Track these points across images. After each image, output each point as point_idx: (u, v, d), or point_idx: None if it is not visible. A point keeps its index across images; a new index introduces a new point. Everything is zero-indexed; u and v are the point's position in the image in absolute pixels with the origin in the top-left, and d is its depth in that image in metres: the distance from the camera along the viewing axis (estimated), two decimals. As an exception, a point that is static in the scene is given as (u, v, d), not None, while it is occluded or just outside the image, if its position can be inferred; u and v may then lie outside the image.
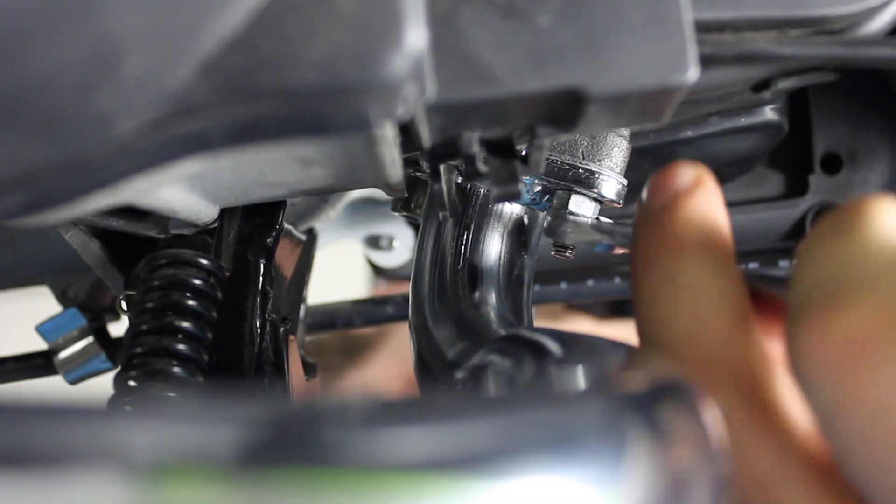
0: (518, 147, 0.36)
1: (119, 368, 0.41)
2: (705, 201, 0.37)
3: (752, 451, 0.32)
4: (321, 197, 0.56)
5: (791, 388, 0.33)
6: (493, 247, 0.45)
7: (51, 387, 0.62)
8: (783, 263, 0.63)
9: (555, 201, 0.45)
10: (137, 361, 0.40)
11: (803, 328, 0.31)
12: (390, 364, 0.94)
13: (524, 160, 0.36)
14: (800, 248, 0.34)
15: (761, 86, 0.46)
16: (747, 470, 0.33)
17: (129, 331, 0.42)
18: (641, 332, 0.36)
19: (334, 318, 0.67)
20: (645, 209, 0.38)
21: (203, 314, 0.42)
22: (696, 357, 0.34)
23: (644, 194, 0.38)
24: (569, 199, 0.44)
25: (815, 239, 0.33)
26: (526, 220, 0.46)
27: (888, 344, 0.29)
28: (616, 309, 0.86)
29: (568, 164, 0.44)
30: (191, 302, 0.41)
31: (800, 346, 0.31)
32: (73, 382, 0.60)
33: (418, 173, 0.47)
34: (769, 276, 0.38)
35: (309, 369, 0.52)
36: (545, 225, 0.45)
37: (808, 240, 0.34)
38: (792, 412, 0.33)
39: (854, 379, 0.30)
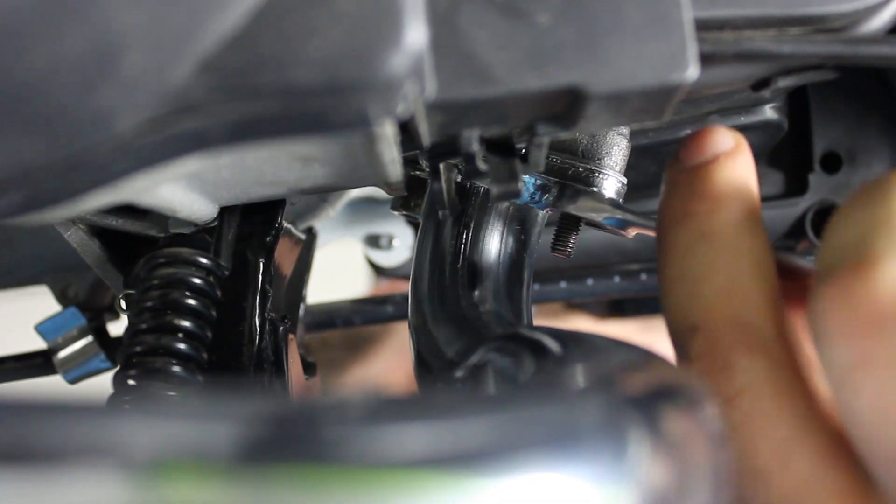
0: (518, 145, 0.36)
1: (118, 367, 0.41)
2: (745, 165, 0.37)
3: (773, 417, 0.33)
4: (321, 196, 0.56)
5: (813, 359, 0.33)
6: (493, 245, 0.45)
7: (50, 386, 0.62)
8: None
9: (555, 198, 0.45)
10: (137, 360, 0.40)
11: (827, 288, 0.31)
12: (393, 359, 0.94)
13: (524, 158, 0.36)
14: (832, 216, 0.33)
15: (761, 84, 0.46)
16: (766, 435, 0.33)
17: (128, 330, 0.42)
18: (670, 287, 0.36)
19: (334, 317, 0.67)
20: (680, 164, 0.38)
21: (202, 313, 0.42)
22: (728, 315, 0.34)
23: (679, 148, 0.38)
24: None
25: (847, 205, 0.33)
26: (525, 219, 0.46)
27: None
28: (616, 308, 0.86)
29: (568, 163, 0.44)
30: (190, 301, 0.41)
31: (822, 305, 0.31)
32: (72, 382, 0.60)
33: (418, 172, 0.47)
34: (790, 255, 0.38)
35: (308, 368, 0.52)
36: (559, 195, 0.44)
37: (841, 207, 0.33)
38: (814, 383, 0.33)
39: (872, 342, 0.29)
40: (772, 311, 0.34)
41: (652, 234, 0.42)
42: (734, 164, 0.37)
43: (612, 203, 0.44)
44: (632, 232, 0.45)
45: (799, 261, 0.38)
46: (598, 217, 0.44)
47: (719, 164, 0.37)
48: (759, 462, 0.32)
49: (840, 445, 0.32)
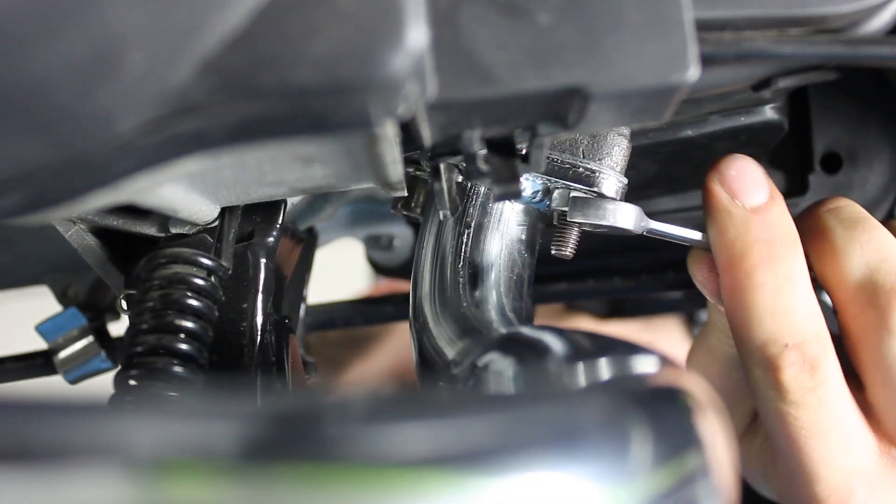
0: (519, 146, 0.36)
1: (119, 367, 0.41)
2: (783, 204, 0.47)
3: (844, 400, 0.45)
4: (321, 196, 0.56)
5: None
6: (494, 246, 0.45)
7: (51, 387, 0.62)
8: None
9: (555, 200, 0.45)
10: (138, 360, 0.40)
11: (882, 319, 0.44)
12: (393, 357, 0.94)
13: (525, 159, 0.36)
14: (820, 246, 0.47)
15: (761, 85, 0.46)
16: (841, 412, 0.45)
17: (129, 330, 0.42)
18: (760, 319, 0.45)
19: (334, 317, 0.67)
20: (733, 205, 0.46)
21: (203, 313, 0.42)
22: (814, 333, 0.44)
23: (727, 182, 0.46)
24: (569, 197, 0.44)
25: (827, 234, 0.48)
26: (526, 219, 0.46)
27: None
28: (616, 308, 0.86)
29: (568, 163, 0.44)
30: (191, 301, 0.41)
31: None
32: (73, 382, 0.60)
33: (419, 172, 0.47)
34: None
35: (309, 368, 0.52)
36: (568, 198, 0.45)
37: (822, 237, 0.48)
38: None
39: None
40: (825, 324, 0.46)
41: (665, 238, 0.47)
42: (782, 206, 0.46)
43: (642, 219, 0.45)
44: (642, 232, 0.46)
45: None
46: (600, 222, 0.44)
47: (777, 211, 0.46)
48: (829, 423, 0.45)
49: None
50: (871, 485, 0.46)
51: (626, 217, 0.44)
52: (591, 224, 0.45)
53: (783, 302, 0.45)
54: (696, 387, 0.31)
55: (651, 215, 0.46)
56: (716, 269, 0.47)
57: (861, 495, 0.46)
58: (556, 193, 0.45)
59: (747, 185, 0.46)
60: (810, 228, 0.48)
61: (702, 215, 0.49)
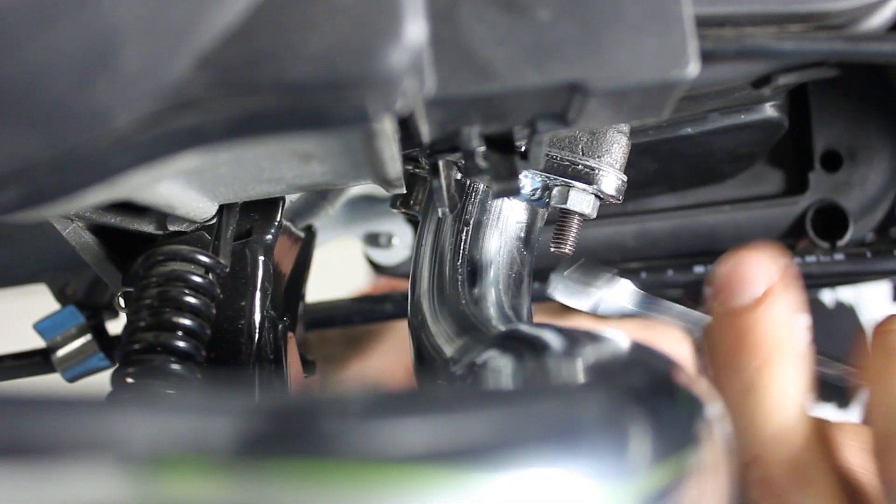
0: (518, 143, 0.36)
1: (117, 365, 0.41)
2: (786, 305, 0.41)
3: None
4: (320, 194, 0.56)
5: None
6: (493, 243, 0.45)
7: (49, 385, 0.62)
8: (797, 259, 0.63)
9: (554, 197, 0.45)
10: (135, 358, 0.40)
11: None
12: (391, 355, 0.94)
13: (524, 156, 0.36)
14: (865, 378, 0.40)
15: (761, 82, 0.46)
16: None
17: (127, 327, 0.42)
18: (733, 417, 0.39)
19: (333, 315, 0.67)
20: (724, 305, 0.42)
21: (201, 311, 0.42)
22: (782, 456, 0.39)
23: (717, 283, 0.42)
24: (568, 194, 0.44)
25: (873, 370, 0.40)
26: (525, 217, 0.46)
27: None
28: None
29: (568, 160, 0.44)
30: (189, 298, 0.41)
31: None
32: (71, 380, 0.60)
33: (417, 169, 0.47)
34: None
35: (307, 366, 0.52)
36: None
37: (867, 369, 0.40)
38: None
39: None
40: (819, 450, 0.40)
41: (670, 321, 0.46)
42: (776, 309, 0.41)
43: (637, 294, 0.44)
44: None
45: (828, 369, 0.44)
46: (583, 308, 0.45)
47: (762, 312, 0.41)
48: None
49: None
50: None
51: (618, 298, 0.44)
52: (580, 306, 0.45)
53: (746, 412, 0.40)
54: (695, 384, 0.30)
55: (650, 213, 0.46)
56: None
57: None
58: (555, 191, 0.45)
59: (734, 281, 0.42)
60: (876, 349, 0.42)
61: (702, 215, 0.50)
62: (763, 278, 0.41)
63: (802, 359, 0.41)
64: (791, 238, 0.61)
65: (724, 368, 0.41)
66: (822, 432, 0.41)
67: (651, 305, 0.45)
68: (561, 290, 0.44)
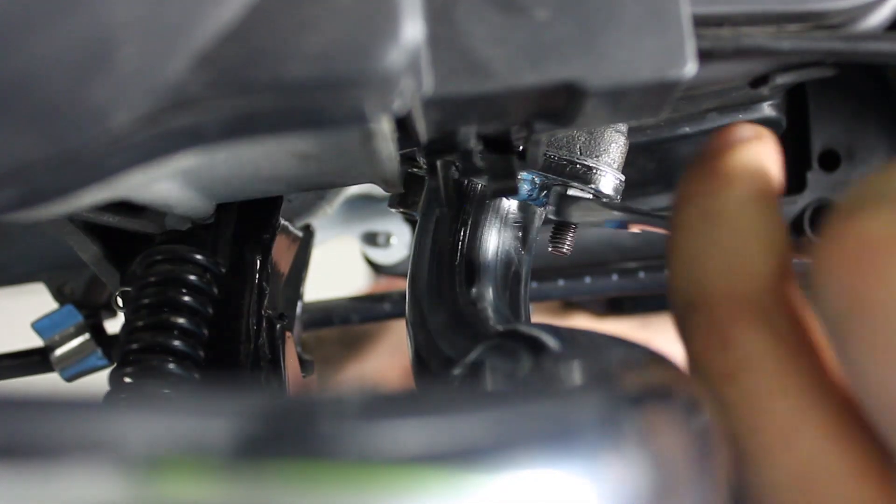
0: (515, 142, 0.36)
1: (115, 365, 0.41)
2: (761, 150, 0.37)
3: (774, 392, 0.31)
4: (318, 193, 0.56)
5: (822, 335, 0.32)
6: (491, 243, 0.45)
7: (47, 384, 0.62)
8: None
9: (552, 197, 0.45)
10: (133, 358, 0.40)
11: (821, 238, 0.30)
12: (389, 356, 0.94)
13: (521, 155, 0.36)
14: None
15: (759, 81, 0.46)
16: (767, 412, 0.31)
17: (124, 327, 0.42)
18: (672, 268, 0.35)
19: (331, 314, 0.67)
20: (699, 156, 0.37)
21: (199, 310, 0.42)
22: (727, 290, 0.33)
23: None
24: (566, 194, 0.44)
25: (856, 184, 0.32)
26: (523, 216, 0.46)
27: None
28: (614, 306, 0.86)
29: (565, 160, 0.44)
30: (187, 298, 0.41)
31: (816, 255, 0.30)
32: (69, 379, 0.60)
33: (415, 169, 0.47)
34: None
35: (306, 366, 0.52)
36: (554, 202, 0.44)
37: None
38: (827, 356, 0.32)
39: (863, 282, 0.28)
40: (775, 285, 0.33)
41: (654, 229, 0.42)
42: (749, 148, 0.37)
43: (611, 203, 0.44)
44: (635, 228, 0.45)
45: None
46: (595, 219, 0.44)
47: (733, 148, 0.36)
48: (760, 441, 0.31)
49: (853, 419, 0.30)
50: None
51: (608, 184, 0.43)
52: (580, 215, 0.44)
53: (694, 245, 0.35)
54: (692, 386, 0.30)
55: (656, 212, 0.46)
56: None
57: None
58: (553, 190, 0.45)
59: (713, 140, 0.37)
60: None
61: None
62: (744, 132, 0.37)
63: (770, 198, 0.35)
64: (790, 237, 0.61)
65: (678, 205, 0.36)
66: (788, 276, 0.34)
67: (633, 216, 0.43)
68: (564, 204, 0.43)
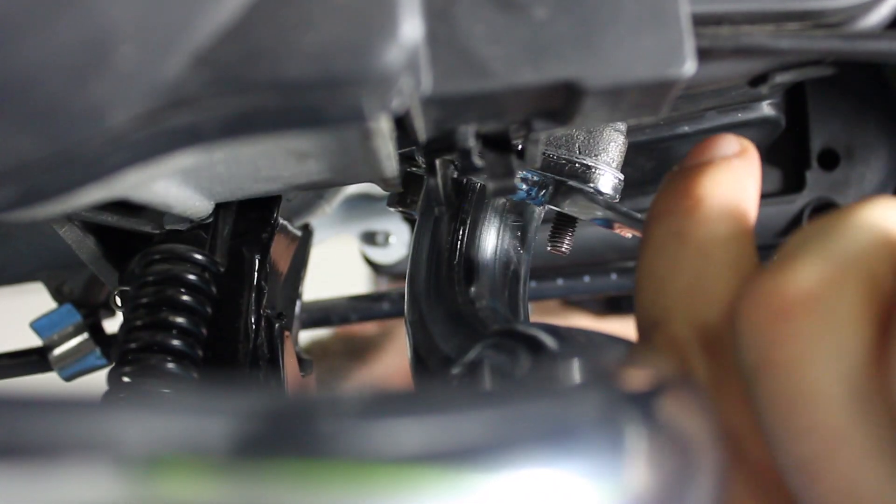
0: (514, 141, 0.36)
1: (113, 364, 0.41)
2: (739, 172, 0.37)
3: (729, 417, 0.32)
4: (317, 192, 0.56)
5: None
6: (489, 242, 0.45)
7: (45, 384, 0.62)
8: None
9: (551, 196, 0.45)
10: (132, 357, 0.40)
11: (745, 289, 0.30)
12: (395, 362, 0.94)
13: (520, 154, 0.36)
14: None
15: (758, 80, 0.45)
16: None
17: (123, 327, 0.42)
18: (639, 282, 0.35)
19: (330, 314, 0.67)
20: (677, 168, 0.37)
21: (198, 310, 0.42)
22: (687, 315, 0.33)
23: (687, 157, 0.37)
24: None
25: (797, 232, 0.32)
26: (522, 216, 0.46)
27: (819, 304, 0.28)
28: (613, 305, 0.86)
29: (564, 159, 0.44)
30: (185, 297, 0.41)
31: (739, 307, 0.30)
32: (67, 379, 0.60)
33: (414, 168, 0.46)
34: None
35: (304, 365, 0.52)
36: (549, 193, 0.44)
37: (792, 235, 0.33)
38: None
39: (771, 339, 0.28)
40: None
41: (639, 233, 0.42)
42: (728, 168, 0.36)
43: (604, 202, 0.44)
44: (624, 232, 0.45)
45: None
46: (591, 216, 0.44)
47: (713, 166, 0.36)
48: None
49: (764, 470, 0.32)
50: None
51: (607, 183, 0.42)
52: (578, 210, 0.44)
53: (661, 264, 0.35)
54: (691, 384, 0.30)
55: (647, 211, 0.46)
56: None
57: None
58: (552, 189, 0.45)
59: (695, 151, 0.38)
60: None
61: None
62: (726, 147, 0.37)
63: (742, 224, 0.35)
64: (788, 236, 0.61)
65: (650, 220, 0.36)
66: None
67: (622, 218, 0.43)
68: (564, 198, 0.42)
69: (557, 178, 0.44)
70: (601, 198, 0.44)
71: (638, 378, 0.29)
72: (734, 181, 0.36)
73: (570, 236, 0.47)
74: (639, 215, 0.43)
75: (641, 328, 0.35)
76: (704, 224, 0.35)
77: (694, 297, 0.34)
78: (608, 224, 0.44)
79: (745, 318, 0.30)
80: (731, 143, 0.37)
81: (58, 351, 0.59)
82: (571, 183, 0.44)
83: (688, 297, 0.34)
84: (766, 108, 0.50)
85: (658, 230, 0.36)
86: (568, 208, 0.44)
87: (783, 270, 0.29)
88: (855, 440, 0.28)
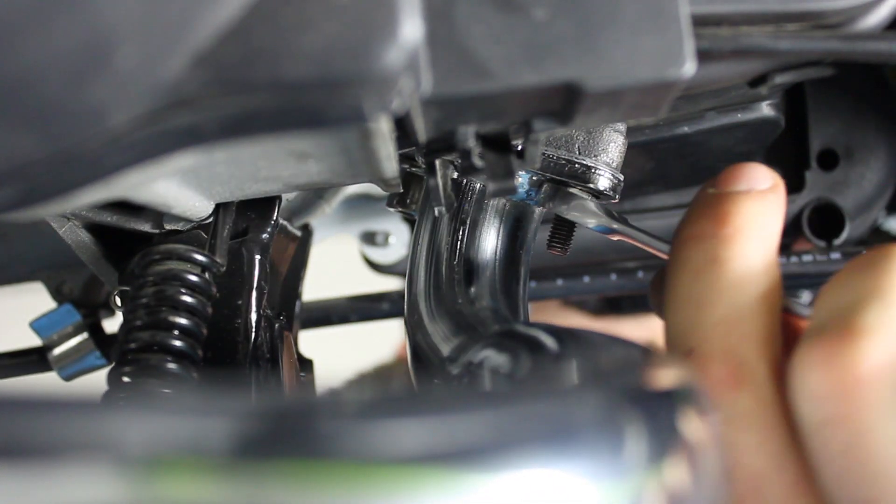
0: (514, 142, 0.36)
1: (113, 364, 0.41)
2: (773, 207, 0.38)
3: (751, 450, 0.34)
4: (316, 192, 0.56)
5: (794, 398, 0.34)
6: (489, 242, 0.45)
7: (45, 384, 0.62)
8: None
9: (548, 197, 0.45)
10: (131, 357, 0.40)
11: (813, 349, 0.32)
12: None
13: (520, 155, 0.36)
14: (829, 280, 0.35)
15: (758, 81, 0.46)
16: (743, 466, 0.34)
17: (123, 326, 0.42)
18: (674, 306, 0.37)
19: (330, 314, 0.67)
20: (709, 190, 0.39)
21: (197, 309, 0.42)
22: (723, 348, 0.35)
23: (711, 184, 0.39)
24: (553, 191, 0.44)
25: (845, 270, 0.35)
26: (522, 216, 0.46)
27: (890, 374, 0.31)
28: (612, 306, 0.86)
29: (564, 159, 0.44)
30: (185, 297, 0.41)
31: (807, 363, 0.32)
32: (67, 379, 0.60)
33: (414, 168, 0.46)
34: (793, 301, 0.38)
35: (304, 365, 0.52)
36: (548, 194, 0.44)
37: (840, 271, 0.35)
38: (790, 422, 0.34)
39: (847, 406, 0.31)
40: (767, 350, 0.35)
41: (639, 245, 0.43)
42: (764, 201, 0.38)
43: (607, 212, 0.44)
44: (616, 238, 0.45)
45: (800, 308, 0.39)
46: (590, 222, 0.44)
47: (749, 196, 0.38)
48: (736, 489, 0.34)
49: (810, 481, 0.33)
50: None
51: (606, 184, 0.43)
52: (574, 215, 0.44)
53: (698, 290, 0.36)
54: (691, 384, 0.30)
55: (647, 212, 0.46)
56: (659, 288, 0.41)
57: None
58: (551, 190, 0.45)
59: (728, 175, 0.39)
60: None
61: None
62: (761, 179, 0.39)
63: (774, 256, 0.37)
64: (787, 237, 0.61)
65: (687, 241, 0.37)
66: (778, 339, 0.36)
67: (620, 227, 0.43)
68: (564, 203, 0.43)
69: (557, 178, 0.44)
70: (603, 205, 0.44)
71: (638, 378, 0.29)
72: (769, 215, 0.38)
73: (569, 236, 0.47)
74: (640, 232, 0.44)
75: (672, 348, 0.37)
76: (742, 255, 0.36)
77: (731, 329, 0.35)
78: (608, 232, 0.45)
79: (816, 381, 0.32)
80: (765, 176, 0.39)
81: (57, 351, 0.59)
82: (572, 187, 0.44)
83: (725, 329, 0.35)
84: (766, 109, 0.50)
85: (695, 254, 0.37)
86: (570, 214, 0.44)
87: (853, 339, 0.31)
88: None
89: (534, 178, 0.45)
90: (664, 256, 0.42)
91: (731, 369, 0.34)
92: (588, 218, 0.44)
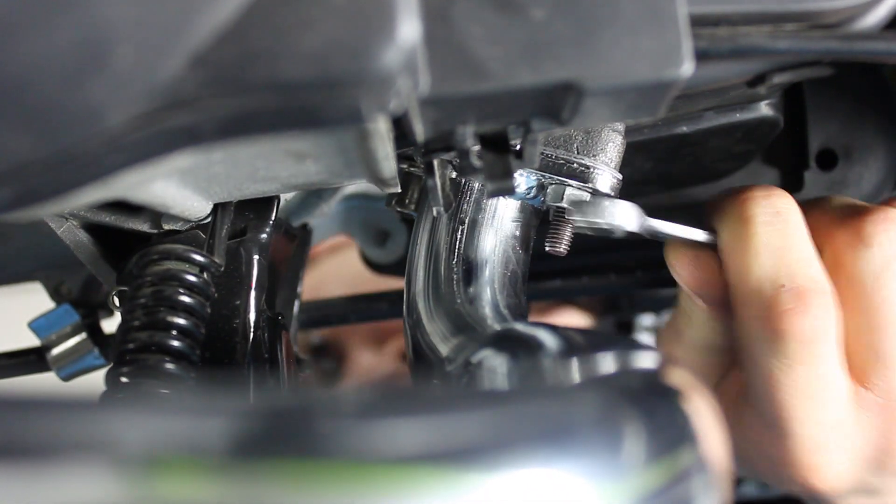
0: (512, 141, 0.36)
1: (111, 364, 0.41)
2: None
3: (831, 333, 0.45)
4: (315, 192, 0.56)
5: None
6: (488, 242, 0.45)
7: (43, 384, 0.62)
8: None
9: (549, 196, 0.45)
10: (130, 357, 0.40)
11: (865, 222, 0.46)
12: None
13: (518, 155, 0.36)
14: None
15: (756, 81, 0.45)
16: (830, 341, 0.45)
17: (121, 326, 0.42)
18: (754, 251, 0.45)
19: (328, 314, 0.67)
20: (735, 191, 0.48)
21: (196, 310, 0.42)
22: (809, 275, 0.45)
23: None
24: (563, 193, 0.44)
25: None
26: (520, 216, 0.46)
27: None
28: (611, 305, 0.86)
29: (563, 159, 0.44)
30: (183, 297, 0.41)
31: (869, 232, 0.46)
32: (66, 379, 0.60)
33: (412, 168, 0.46)
34: None
35: (303, 365, 0.52)
36: (558, 196, 0.45)
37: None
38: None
39: None
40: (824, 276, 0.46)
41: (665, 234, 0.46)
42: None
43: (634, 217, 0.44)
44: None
45: None
46: (598, 221, 0.44)
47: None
48: (819, 382, 0.45)
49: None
50: (841, 434, 0.46)
51: (625, 216, 0.44)
52: (588, 222, 0.44)
53: (774, 238, 0.45)
54: (690, 383, 0.30)
55: (647, 212, 0.46)
56: (699, 265, 0.48)
57: (832, 447, 0.46)
58: (550, 189, 0.45)
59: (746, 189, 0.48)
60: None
61: (697, 212, 0.49)
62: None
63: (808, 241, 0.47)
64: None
65: (749, 199, 0.46)
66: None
67: (656, 226, 0.46)
68: (576, 208, 0.44)
69: (556, 178, 0.44)
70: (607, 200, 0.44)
71: (636, 377, 0.29)
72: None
73: (568, 236, 0.47)
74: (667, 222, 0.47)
75: (760, 290, 0.45)
76: (794, 206, 0.47)
77: (808, 263, 0.45)
78: (610, 232, 0.45)
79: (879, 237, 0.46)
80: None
81: (56, 351, 0.59)
82: (570, 185, 0.44)
83: (806, 263, 0.45)
84: (765, 109, 0.50)
85: (761, 208, 0.46)
86: (574, 214, 0.44)
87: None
88: None
89: (532, 177, 0.45)
90: (700, 237, 0.48)
91: (817, 287, 0.44)
92: (608, 218, 0.44)
